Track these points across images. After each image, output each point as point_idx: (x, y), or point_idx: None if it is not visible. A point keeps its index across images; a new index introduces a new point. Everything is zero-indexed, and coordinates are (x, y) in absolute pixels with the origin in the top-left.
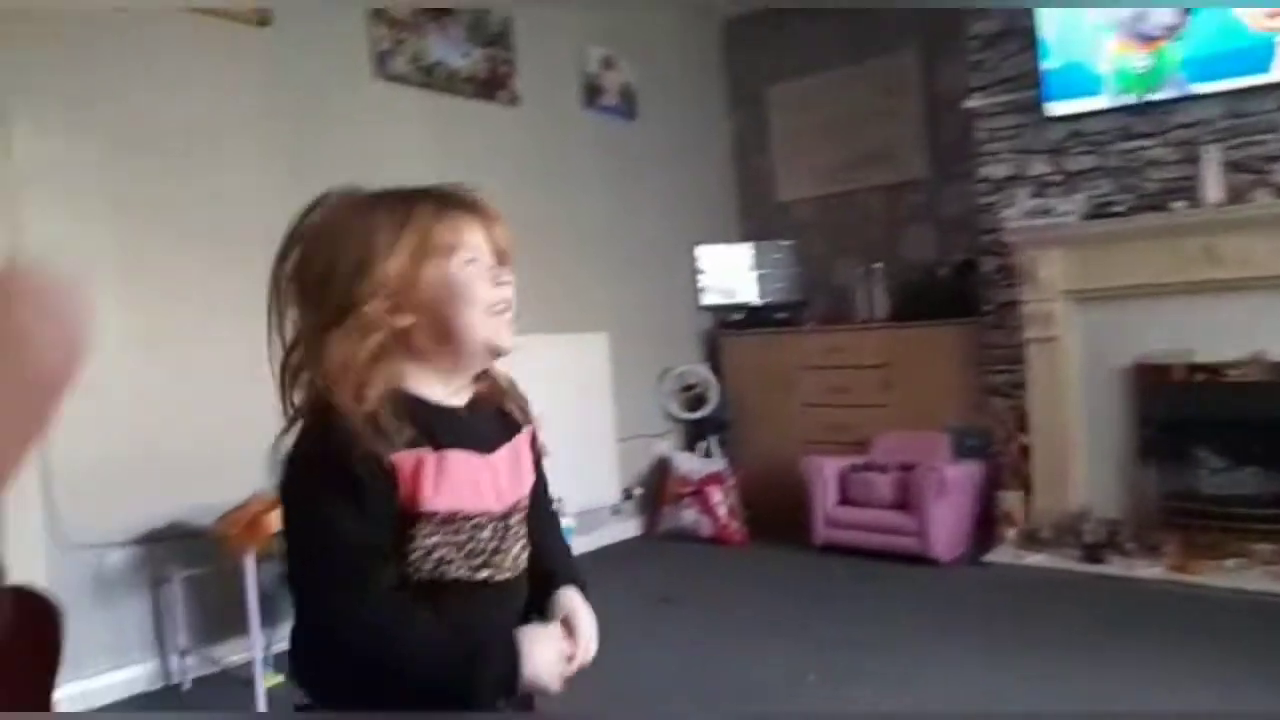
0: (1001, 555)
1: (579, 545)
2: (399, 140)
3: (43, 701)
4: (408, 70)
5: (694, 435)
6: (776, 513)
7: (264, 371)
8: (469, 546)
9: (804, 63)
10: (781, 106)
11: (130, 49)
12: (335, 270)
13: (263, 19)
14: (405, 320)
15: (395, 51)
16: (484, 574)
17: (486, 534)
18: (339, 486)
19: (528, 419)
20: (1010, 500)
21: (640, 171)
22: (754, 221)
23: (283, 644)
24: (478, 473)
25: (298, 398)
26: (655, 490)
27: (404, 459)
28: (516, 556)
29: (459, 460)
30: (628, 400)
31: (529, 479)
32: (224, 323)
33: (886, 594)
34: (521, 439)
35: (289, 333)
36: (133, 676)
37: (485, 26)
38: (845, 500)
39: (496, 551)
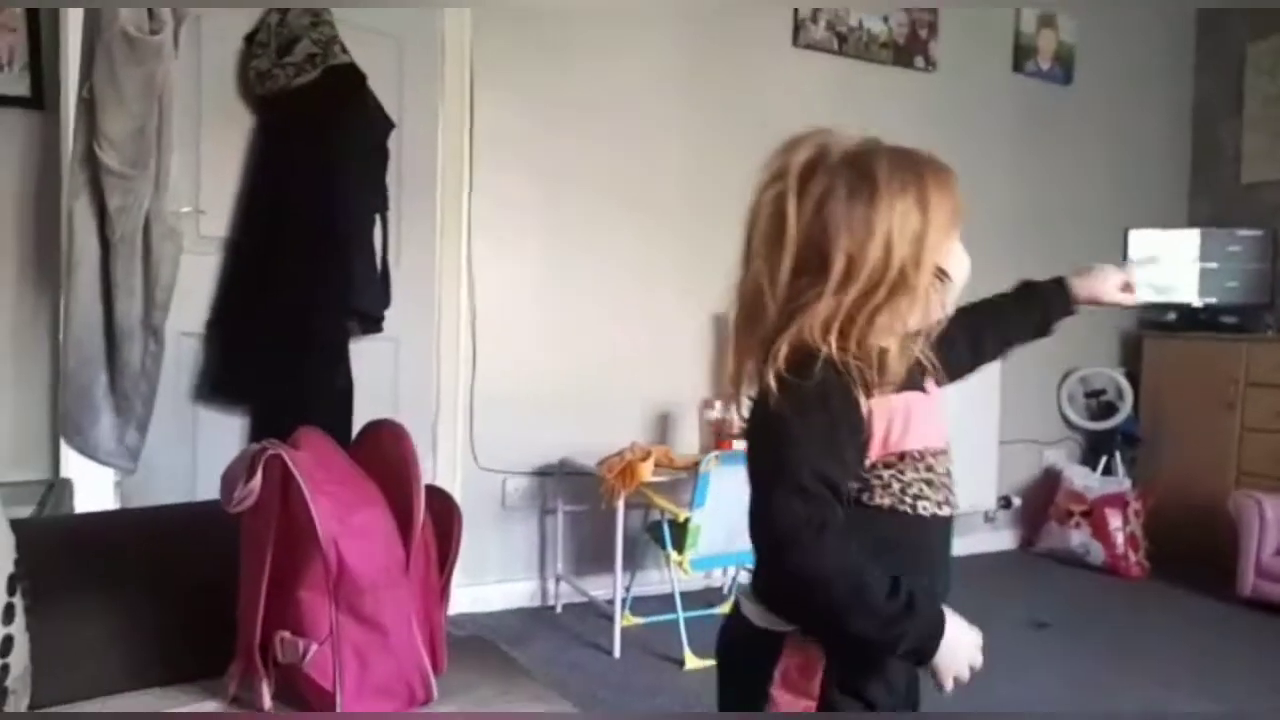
0: None
1: None
2: (810, 109)
3: (446, 579)
4: (823, 37)
5: (1094, 448)
6: (1189, 550)
7: (653, 333)
8: (937, 480)
9: None
10: (1262, 68)
11: (570, 29)
12: (892, 243)
13: None
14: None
15: (814, 18)
16: (946, 510)
17: (943, 469)
18: (825, 424)
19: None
20: None
21: (1069, 143)
22: (1207, 205)
23: (643, 588)
24: (931, 410)
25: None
26: (1038, 503)
27: (880, 403)
28: (955, 493)
29: (918, 400)
30: (1016, 399)
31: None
32: (623, 282)
33: None
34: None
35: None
36: (517, 591)
37: None
38: None
39: (949, 487)
